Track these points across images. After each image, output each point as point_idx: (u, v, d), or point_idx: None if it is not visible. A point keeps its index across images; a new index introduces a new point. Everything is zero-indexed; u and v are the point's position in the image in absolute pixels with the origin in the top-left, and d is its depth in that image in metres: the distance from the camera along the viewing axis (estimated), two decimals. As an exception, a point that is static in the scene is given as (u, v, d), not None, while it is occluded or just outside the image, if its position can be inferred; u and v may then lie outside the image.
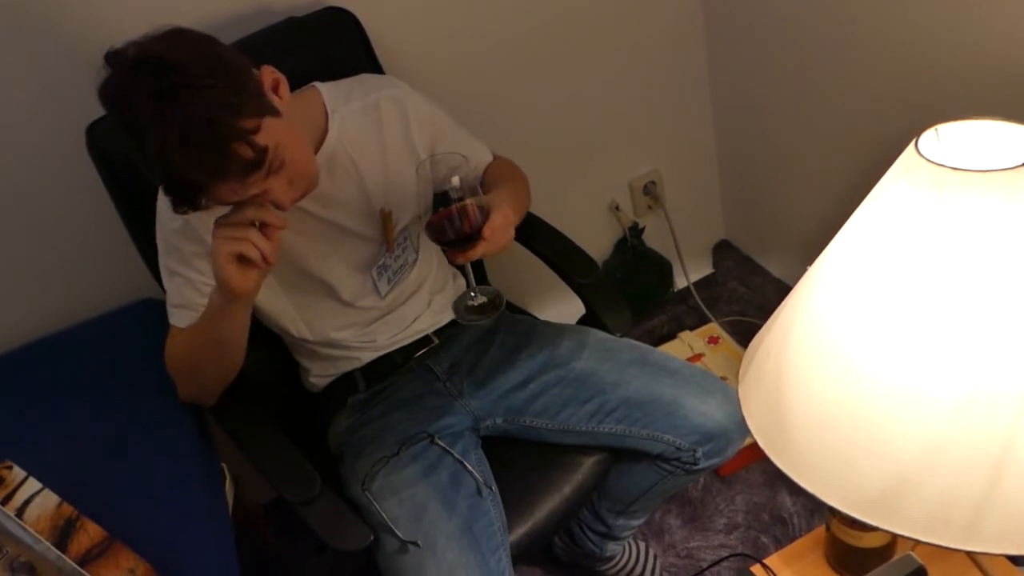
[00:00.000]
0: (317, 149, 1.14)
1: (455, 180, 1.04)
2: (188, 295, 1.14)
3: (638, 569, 1.54)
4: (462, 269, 1.19)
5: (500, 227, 1.05)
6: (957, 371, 0.60)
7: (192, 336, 1.13)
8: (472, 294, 1.15)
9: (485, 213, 1.05)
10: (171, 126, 0.90)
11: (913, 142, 0.63)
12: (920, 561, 0.67)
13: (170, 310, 1.17)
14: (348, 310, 1.26)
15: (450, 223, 1.05)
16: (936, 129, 0.65)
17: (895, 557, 0.67)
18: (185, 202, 0.95)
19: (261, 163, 0.95)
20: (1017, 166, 0.58)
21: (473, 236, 1.05)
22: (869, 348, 0.63)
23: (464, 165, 1.05)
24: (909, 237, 0.61)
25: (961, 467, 0.60)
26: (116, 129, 0.97)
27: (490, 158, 1.32)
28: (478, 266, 1.56)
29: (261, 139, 0.94)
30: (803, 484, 0.67)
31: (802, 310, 0.70)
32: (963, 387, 0.60)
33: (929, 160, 0.60)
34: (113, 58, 0.94)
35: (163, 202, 1.12)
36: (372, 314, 1.28)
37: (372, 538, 1.09)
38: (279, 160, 0.98)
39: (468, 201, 1.04)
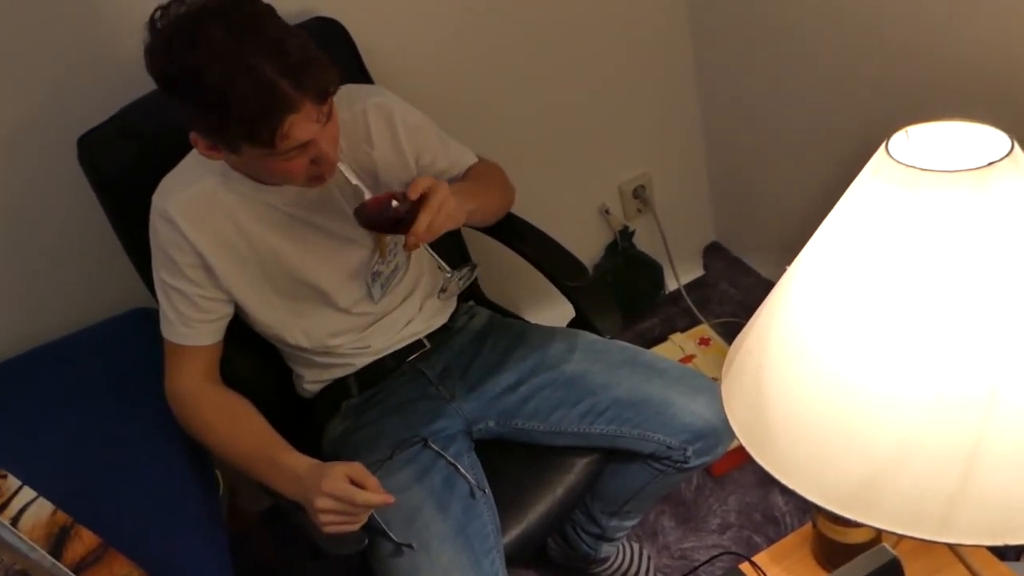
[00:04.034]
0: None
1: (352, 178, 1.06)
2: (184, 309, 1.15)
3: (632, 570, 1.55)
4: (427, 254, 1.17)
5: (433, 194, 1.05)
6: (926, 372, 0.61)
7: (221, 446, 1.15)
8: (447, 275, 1.15)
9: (405, 187, 1.07)
10: (256, 42, 0.92)
11: (884, 143, 0.65)
12: (893, 552, 0.69)
13: (164, 324, 1.17)
14: (343, 317, 1.27)
15: (375, 206, 1.05)
16: (906, 131, 0.66)
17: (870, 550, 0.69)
18: (265, 130, 0.94)
19: (333, 90, 0.99)
20: (983, 166, 0.60)
21: (405, 218, 1.05)
22: (840, 349, 0.65)
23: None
24: (878, 238, 0.63)
25: (933, 464, 0.61)
26: (169, 84, 0.97)
27: (473, 161, 1.34)
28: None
29: None
30: (784, 480, 0.69)
31: (779, 311, 0.71)
32: (933, 388, 0.61)
33: (898, 161, 0.62)
34: (163, 14, 0.95)
35: (157, 214, 1.13)
36: (366, 320, 1.29)
37: (366, 542, 1.09)
38: (333, 109, 1.02)
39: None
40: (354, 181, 1.07)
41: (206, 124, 0.99)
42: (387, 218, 1.06)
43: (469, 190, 1.21)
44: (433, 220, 1.05)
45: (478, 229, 1.43)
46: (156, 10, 0.96)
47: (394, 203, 1.05)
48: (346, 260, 1.23)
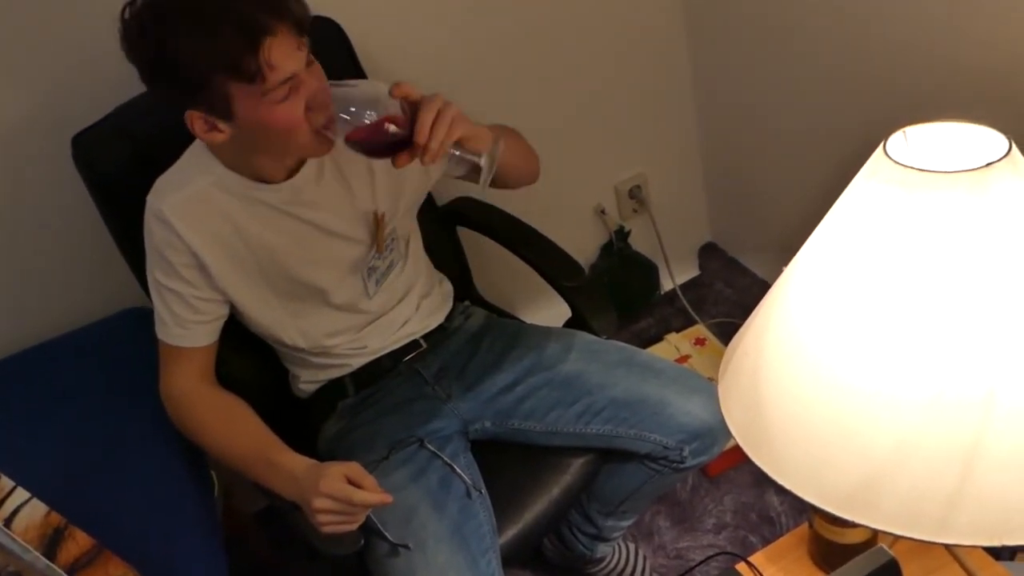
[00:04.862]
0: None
1: (336, 91, 0.99)
2: (178, 310, 1.15)
3: (628, 570, 1.55)
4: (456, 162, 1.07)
5: (429, 100, 0.99)
6: (925, 374, 0.61)
7: (217, 447, 1.14)
8: (480, 166, 1.03)
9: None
10: None
11: (882, 144, 0.65)
12: (891, 553, 0.69)
13: (159, 325, 1.17)
14: (340, 315, 1.26)
15: (370, 131, 0.99)
16: (904, 131, 0.66)
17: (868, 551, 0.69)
18: (247, 59, 0.94)
19: (307, 23, 0.99)
20: (981, 167, 0.60)
21: (404, 139, 0.98)
22: (838, 350, 0.65)
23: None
24: (876, 239, 0.63)
25: (931, 465, 0.61)
26: (152, 66, 0.98)
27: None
28: (466, 280, 1.56)
29: None
30: (781, 481, 0.69)
31: (776, 312, 0.71)
32: (931, 389, 0.61)
33: (896, 162, 0.62)
34: (130, 7, 0.97)
35: (152, 215, 1.13)
36: (363, 319, 1.29)
37: (362, 543, 1.09)
38: (311, 57, 1.01)
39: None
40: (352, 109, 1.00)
41: (193, 87, 0.98)
42: (384, 142, 1.00)
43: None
44: (437, 121, 0.98)
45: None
46: (124, 7, 0.97)
47: (390, 127, 0.99)
48: (343, 256, 1.22)
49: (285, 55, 0.97)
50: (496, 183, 1.28)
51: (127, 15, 0.97)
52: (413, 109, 1.00)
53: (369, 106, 0.98)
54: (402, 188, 1.23)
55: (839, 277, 0.65)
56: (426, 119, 0.98)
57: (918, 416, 0.62)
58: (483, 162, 1.03)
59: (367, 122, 0.98)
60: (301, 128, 1.02)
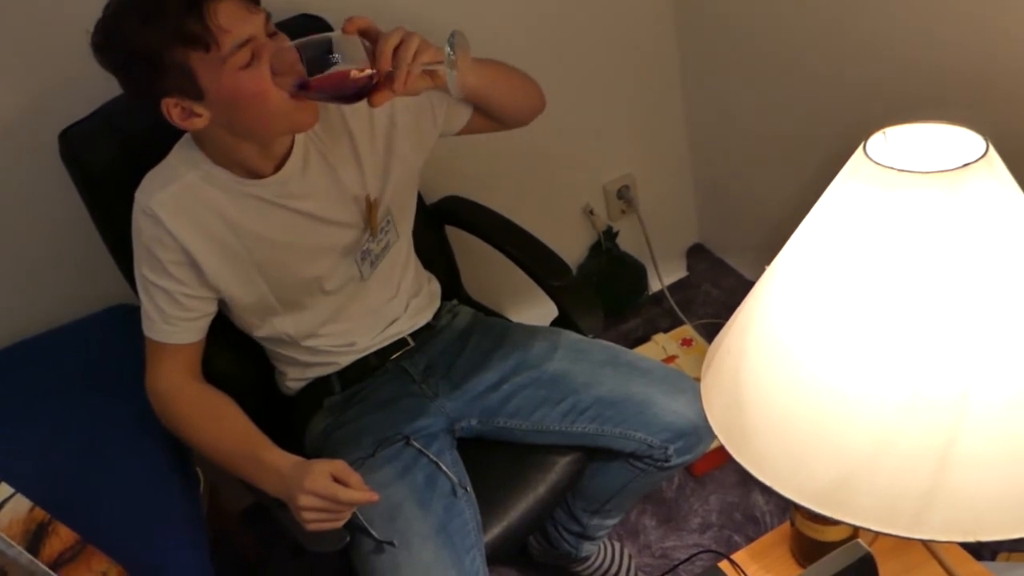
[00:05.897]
0: (290, 147, 1.14)
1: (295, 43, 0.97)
2: (166, 307, 1.14)
3: (613, 569, 1.56)
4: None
5: (389, 33, 0.98)
6: (901, 374, 0.62)
7: (204, 444, 1.14)
8: (444, 64, 0.97)
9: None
10: None
11: (862, 144, 0.65)
12: (867, 548, 0.70)
13: (146, 322, 1.16)
14: (332, 301, 1.26)
15: (333, 81, 0.96)
16: (884, 132, 0.67)
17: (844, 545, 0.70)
18: (195, 26, 0.95)
19: None
20: (958, 167, 0.61)
21: (368, 83, 0.96)
22: (816, 350, 0.65)
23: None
24: (855, 238, 0.63)
25: (907, 463, 0.62)
26: (123, 65, 1.00)
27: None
28: (454, 278, 1.57)
29: None
30: (760, 477, 0.69)
31: (757, 311, 0.72)
32: (907, 389, 0.62)
33: (876, 162, 0.63)
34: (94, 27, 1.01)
35: (140, 211, 1.12)
36: (356, 307, 1.29)
37: (348, 540, 1.09)
38: (273, 28, 1.02)
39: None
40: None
41: (155, 68, 0.98)
42: (354, 86, 0.98)
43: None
44: (400, 47, 0.96)
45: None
46: (93, 26, 1.00)
47: (357, 72, 0.97)
48: (337, 243, 1.22)
49: (234, 18, 0.97)
50: (494, 114, 1.29)
51: (93, 29, 0.99)
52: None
53: (331, 51, 0.97)
54: (389, 164, 1.22)
55: (818, 277, 0.66)
56: (386, 46, 0.97)
57: (894, 415, 0.63)
58: (445, 58, 0.97)
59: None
60: (271, 93, 1.01)
